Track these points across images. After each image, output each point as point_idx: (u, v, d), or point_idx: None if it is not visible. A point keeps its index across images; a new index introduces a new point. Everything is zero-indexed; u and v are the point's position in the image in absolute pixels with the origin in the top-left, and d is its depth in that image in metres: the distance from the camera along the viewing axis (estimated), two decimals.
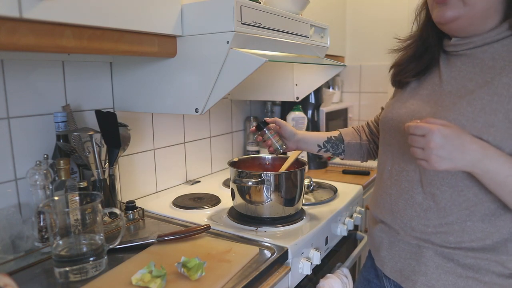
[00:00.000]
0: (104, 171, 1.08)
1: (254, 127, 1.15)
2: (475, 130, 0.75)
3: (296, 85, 1.61)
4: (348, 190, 1.52)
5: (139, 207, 1.23)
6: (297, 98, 1.62)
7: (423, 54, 0.92)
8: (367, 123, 1.20)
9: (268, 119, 1.16)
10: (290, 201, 1.17)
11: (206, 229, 1.06)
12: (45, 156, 1.03)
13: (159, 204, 1.35)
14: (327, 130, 2.03)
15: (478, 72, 0.80)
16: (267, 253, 0.99)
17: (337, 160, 2.04)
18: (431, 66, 0.90)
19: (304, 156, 1.82)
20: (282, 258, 0.99)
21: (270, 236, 1.08)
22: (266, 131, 1.13)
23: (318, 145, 1.16)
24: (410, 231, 0.86)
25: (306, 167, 1.61)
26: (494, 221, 0.79)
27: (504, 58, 0.78)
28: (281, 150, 1.14)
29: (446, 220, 0.81)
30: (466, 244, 0.80)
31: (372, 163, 1.80)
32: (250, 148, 1.95)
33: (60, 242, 0.86)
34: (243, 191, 1.17)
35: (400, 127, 0.89)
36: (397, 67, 0.97)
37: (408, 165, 0.87)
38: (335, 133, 1.18)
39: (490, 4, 0.78)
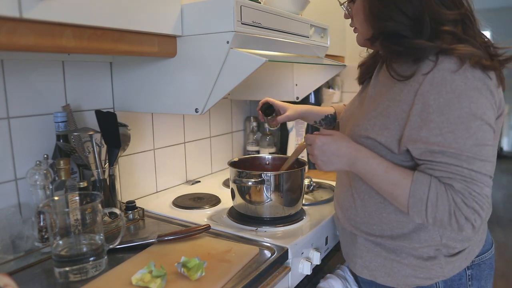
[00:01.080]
0: (104, 171, 1.08)
1: (260, 108, 1.28)
2: (373, 133, 0.86)
3: (296, 85, 1.61)
4: None
5: (139, 207, 1.23)
6: (297, 98, 1.62)
7: (373, 57, 1.04)
8: None
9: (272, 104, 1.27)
10: (290, 201, 1.17)
11: (206, 229, 1.06)
12: (45, 156, 1.03)
13: (159, 204, 1.35)
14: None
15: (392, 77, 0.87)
16: (267, 253, 0.99)
17: None
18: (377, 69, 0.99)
19: (304, 156, 1.82)
20: (282, 258, 0.99)
21: (270, 236, 1.08)
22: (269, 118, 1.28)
23: (315, 121, 1.33)
24: (347, 220, 0.99)
25: (306, 167, 1.61)
26: (405, 213, 0.86)
27: (409, 67, 0.83)
28: (267, 131, 1.31)
29: (367, 211, 0.93)
30: (387, 233, 0.92)
31: None
32: (250, 148, 1.95)
33: (60, 242, 0.86)
34: (243, 191, 1.17)
35: (343, 128, 1.04)
36: (360, 67, 1.09)
37: None
38: (331, 111, 1.33)
39: (370, 30, 0.89)
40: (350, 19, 0.97)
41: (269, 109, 1.27)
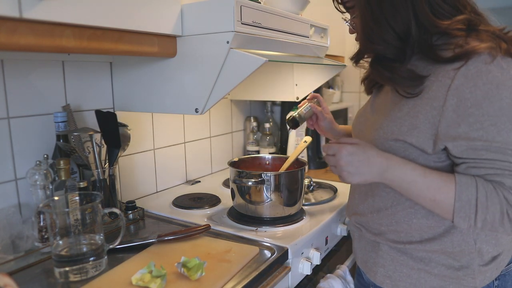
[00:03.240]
0: (104, 171, 1.08)
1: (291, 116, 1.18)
2: (401, 134, 0.81)
3: (296, 85, 1.61)
4: (348, 190, 1.51)
5: (139, 207, 1.23)
6: (297, 98, 1.62)
7: None
8: None
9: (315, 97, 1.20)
10: (290, 201, 1.17)
11: (206, 229, 1.06)
12: (45, 156, 1.03)
13: (159, 204, 1.35)
14: None
15: None
16: (267, 253, 0.99)
17: None
18: None
19: (304, 156, 1.82)
20: (282, 258, 0.99)
21: (270, 236, 1.08)
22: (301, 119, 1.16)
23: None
24: (369, 229, 0.94)
25: (306, 167, 1.61)
26: (436, 217, 0.84)
27: (432, 65, 0.80)
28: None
29: (395, 219, 0.88)
30: (416, 238, 0.86)
31: None
32: (250, 148, 1.95)
33: (60, 242, 0.86)
34: (243, 191, 1.17)
35: (359, 135, 0.98)
36: (364, 81, 1.05)
37: None
38: None
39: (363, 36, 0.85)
40: (355, 34, 0.93)
41: (292, 120, 1.15)
